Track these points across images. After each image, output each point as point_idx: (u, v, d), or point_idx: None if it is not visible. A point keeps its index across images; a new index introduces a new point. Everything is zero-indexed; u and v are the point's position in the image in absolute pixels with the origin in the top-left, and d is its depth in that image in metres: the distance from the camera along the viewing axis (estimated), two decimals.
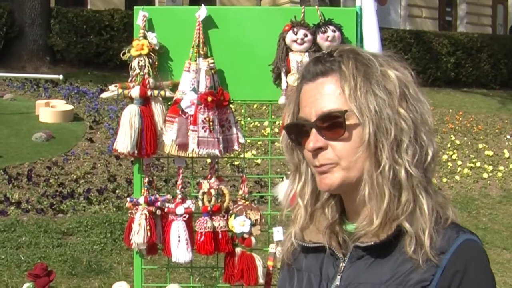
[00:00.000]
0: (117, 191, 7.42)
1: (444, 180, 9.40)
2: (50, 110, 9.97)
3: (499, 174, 9.90)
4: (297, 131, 1.37)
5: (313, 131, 1.32)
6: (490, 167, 10.13)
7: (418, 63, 16.89)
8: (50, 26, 14.12)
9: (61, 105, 10.38)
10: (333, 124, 1.30)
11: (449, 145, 11.08)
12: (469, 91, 17.35)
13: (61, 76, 11.37)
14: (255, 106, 10.55)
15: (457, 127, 12.57)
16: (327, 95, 1.31)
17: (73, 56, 14.15)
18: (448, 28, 21.43)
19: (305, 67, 1.38)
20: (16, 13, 13.73)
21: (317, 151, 1.32)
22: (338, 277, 1.35)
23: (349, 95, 1.28)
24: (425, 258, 1.25)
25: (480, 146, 11.26)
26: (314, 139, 1.31)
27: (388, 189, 1.28)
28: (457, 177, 9.60)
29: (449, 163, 10.10)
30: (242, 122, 3.01)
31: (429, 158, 1.32)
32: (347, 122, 1.29)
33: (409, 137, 1.28)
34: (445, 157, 10.32)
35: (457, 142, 11.41)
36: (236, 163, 8.43)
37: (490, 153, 10.90)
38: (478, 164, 10.27)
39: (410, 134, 1.29)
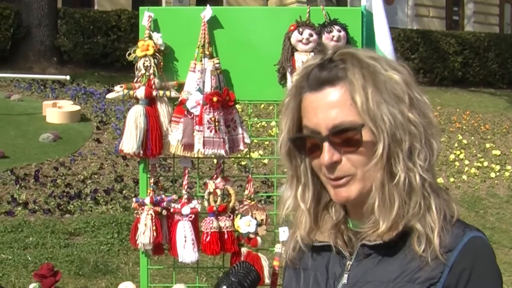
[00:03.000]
0: (124, 192, 7.43)
1: (452, 179, 9.37)
2: (57, 111, 10.00)
3: (507, 174, 9.86)
4: (304, 142, 1.34)
5: (326, 144, 1.28)
6: (498, 167, 10.09)
7: (425, 63, 16.89)
8: (57, 26, 14.18)
9: (68, 105, 10.41)
10: (349, 139, 1.27)
11: (456, 145, 11.05)
12: (476, 90, 17.30)
13: (68, 77, 11.40)
14: (262, 106, 10.54)
15: (464, 127, 12.53)
16: (337, 106, 1.27)
17: (80, 56, 14.20)
18: (455, 27, 21.37)
19: (305, 76, 1.33)
20: (23, 14, 13.79)
21: (333, 164, 1.29)
22: (345, 275, 1.34)
23: (362, 108, 1.25)
24: (434, 256, 1.25)
25: (488, 145, 11.22)
26: (330, 154, 1.28)
27: (400, 198, 1.26)
28: (464, 177, 9.57)
29: (457, 163, 10.06)
30: (249, 122, 3.01)
31: (435, 157, 1.31)
32: (363, 136, 1.26)
33: (421, 142, 1.27)
34: (452, 156, 10.29)
35: (464, 141, 11.37)
36: (243, 163, 8.44)
37: (498, 152, 10.86)
38: (485, 163, 10.23)
39: (422, 139, 1.27)
